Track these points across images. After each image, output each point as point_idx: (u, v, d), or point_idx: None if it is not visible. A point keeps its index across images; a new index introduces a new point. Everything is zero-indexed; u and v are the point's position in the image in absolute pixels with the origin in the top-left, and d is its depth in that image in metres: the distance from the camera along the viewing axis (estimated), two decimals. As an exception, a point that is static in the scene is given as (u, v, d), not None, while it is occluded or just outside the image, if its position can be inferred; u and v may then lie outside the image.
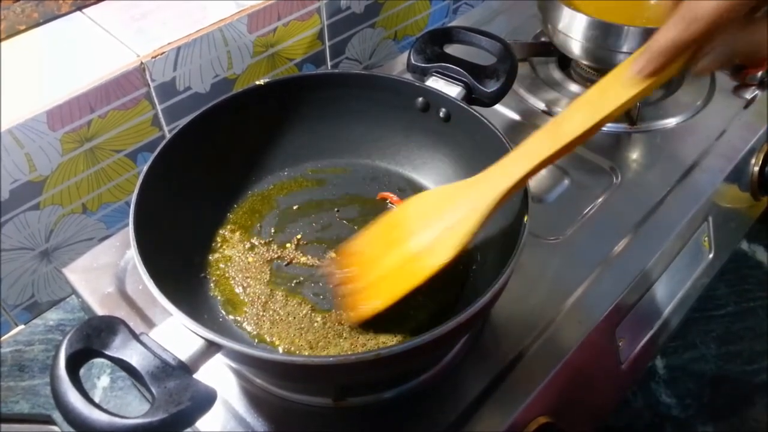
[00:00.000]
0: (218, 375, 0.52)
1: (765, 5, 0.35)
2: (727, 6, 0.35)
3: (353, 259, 0.52)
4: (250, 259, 0.56)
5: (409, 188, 0.62)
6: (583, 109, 0.43)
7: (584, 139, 0.43)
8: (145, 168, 0.49)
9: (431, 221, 0.47)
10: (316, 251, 0.57)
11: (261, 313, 0.52)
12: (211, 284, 0.54)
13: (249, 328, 0.52)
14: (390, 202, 0.61)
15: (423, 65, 0.62)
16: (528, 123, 0.75)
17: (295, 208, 0.60)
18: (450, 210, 0.47)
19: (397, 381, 0.51)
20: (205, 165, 0.56)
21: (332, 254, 0.56)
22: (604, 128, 0.73)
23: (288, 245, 0.57)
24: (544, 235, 0.62)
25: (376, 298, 0.49)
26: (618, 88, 0.42)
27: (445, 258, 0.46)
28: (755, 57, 0.37)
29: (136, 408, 0.59)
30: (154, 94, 0.64)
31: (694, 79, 0.80)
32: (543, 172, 0.69)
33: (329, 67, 0.82)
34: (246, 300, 0.53)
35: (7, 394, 0.59)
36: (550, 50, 0.81)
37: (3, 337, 0.64)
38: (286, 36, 0.73)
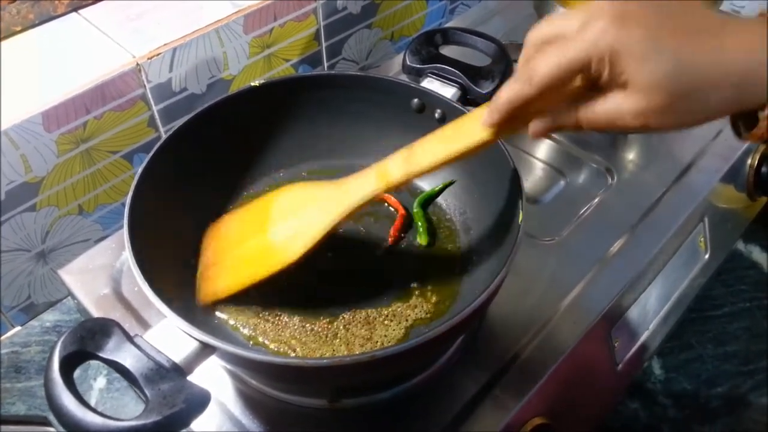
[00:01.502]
0: (213, 376, 0.52)
1: (601, 77, 0.35)
2: (561, 67, 0.35)
3: (215, 240, 0.54)
4: (246, 261, 0.56)
5: (405, 189, 0.62)
6: (438, 143, 0.46)
7: (434, 170, 0.46)
8: (140, 169, 0.49)
9: (292, 216, 0.51)
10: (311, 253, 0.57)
11: (256, 315, 0.52)
12: (207, 285, 0.54)
13: (244, 330, 0.52)
14: (387, 203, 0.61)
15: (418, 66, 0.62)
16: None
17: (290, 209, 0.60)
18: (309, 209, 0.51)
19: (393, 382, 0.51)
20: (201, 166, 0.56)
21: (328, 255, 0.56)
22: (599, 129, 0.74)
23: (284, 246, 0.57)
24: (540, 235, 0.62)
25: (225, 282, 0.51)
26: (474, 129, 0.43)
27: (293, 257, 0.49)
28: (612, 127, 0.36)
29: (132, 409, 0.58)
30: (149, 95, 0.64)
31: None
32: (539, 172, 0.70)
33: (326, 68, 0.82)
34: (241, 302, 0.53)
35: (3, 395, 0.59)
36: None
37: (-1, 339, 0.64)
38: (282, 37, 0.73)
